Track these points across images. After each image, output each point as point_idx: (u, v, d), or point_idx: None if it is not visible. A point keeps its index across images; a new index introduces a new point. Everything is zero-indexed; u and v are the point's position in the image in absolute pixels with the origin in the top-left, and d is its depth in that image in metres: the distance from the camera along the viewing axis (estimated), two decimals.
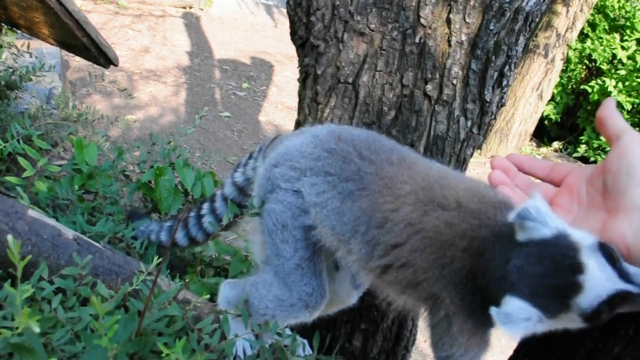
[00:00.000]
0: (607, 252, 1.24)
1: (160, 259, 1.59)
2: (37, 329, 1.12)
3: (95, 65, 4.11)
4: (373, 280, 1.72)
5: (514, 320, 1.26)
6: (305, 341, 2.15)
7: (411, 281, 1.57)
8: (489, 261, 1.41)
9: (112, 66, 4.00)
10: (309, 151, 1.78)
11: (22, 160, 2.51)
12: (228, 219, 1.85)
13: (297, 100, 2.44)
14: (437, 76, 2.12)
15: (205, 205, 2.34)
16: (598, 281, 1.22)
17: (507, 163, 1.62)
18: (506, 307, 1.29)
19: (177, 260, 2.88)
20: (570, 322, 1.31)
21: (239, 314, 1.74)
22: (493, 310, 1.27)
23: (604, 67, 9.11)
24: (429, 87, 2.13)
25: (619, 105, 8.27)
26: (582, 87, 9.35)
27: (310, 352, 2.10)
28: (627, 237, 1.26)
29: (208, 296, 1.82)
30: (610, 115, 1.43)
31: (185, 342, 1.36)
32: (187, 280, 1.67)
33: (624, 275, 1.21)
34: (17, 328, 1.14)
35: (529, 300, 1.28)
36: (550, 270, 1.27)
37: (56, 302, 1.56)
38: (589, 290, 1.23)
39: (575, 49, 9.16)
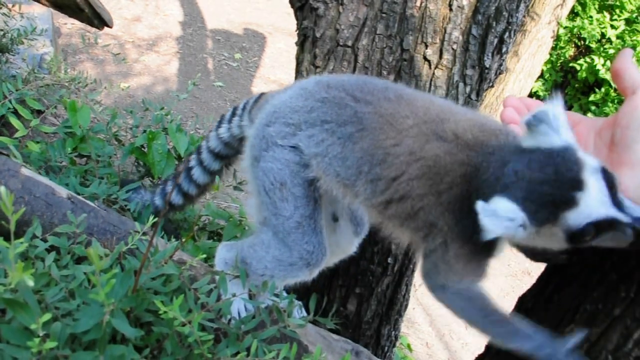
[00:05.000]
0: (608, 178, 1.24)
1: (156, 219, 1.57)
2: (31, 283, 1.09)
3: (88, 33, 4.04)
4: (376, 218, 1.72)
5: (498, 216, 1.27)
6: (301, 303, 2.15)
7: (409, 212, 1.58)
8: (483, 171, 1.42)
9: (103, 34, 3.94)
10: (300, 104, 1.77)
11: (14, 121, 2.47)
12: (217, 186, 1.82)
13: (289, 72, 2.41)
14: (438, 41, 2.11)
15: (193, 157, 2.33)
16: (593, 202, 1.23)
17: (520, 103, 1.60)
18: (494, 204, 1.30)
19: (169, 224, 2.86)
20: (552, 238, 1.32)
21: (237, 275, 1.73)
22: (479, 204, 1.28)
23: (593, 45, 9.09)
24: (429, 51, 2.11)
25: (607, 84, 8.30)
26: (570, 64, 9.33)
27: (306, 314, 2.09)
28: (629, 191, 1.26)
29: (205, 256, 1.80)
30: (628, 67, 1.40)
31: (182, 300, 1.34)
32: (183, 240, 1.64)
33: (618, 204, 1.23)
34: (10, 284, 1.11)
35: (519, 203, 1.29)
36: (550, 179, 1.28)
37: (50, 260, 1.53)
38: (582, 207, 1.24)
39: (565, 27, 9.14)
